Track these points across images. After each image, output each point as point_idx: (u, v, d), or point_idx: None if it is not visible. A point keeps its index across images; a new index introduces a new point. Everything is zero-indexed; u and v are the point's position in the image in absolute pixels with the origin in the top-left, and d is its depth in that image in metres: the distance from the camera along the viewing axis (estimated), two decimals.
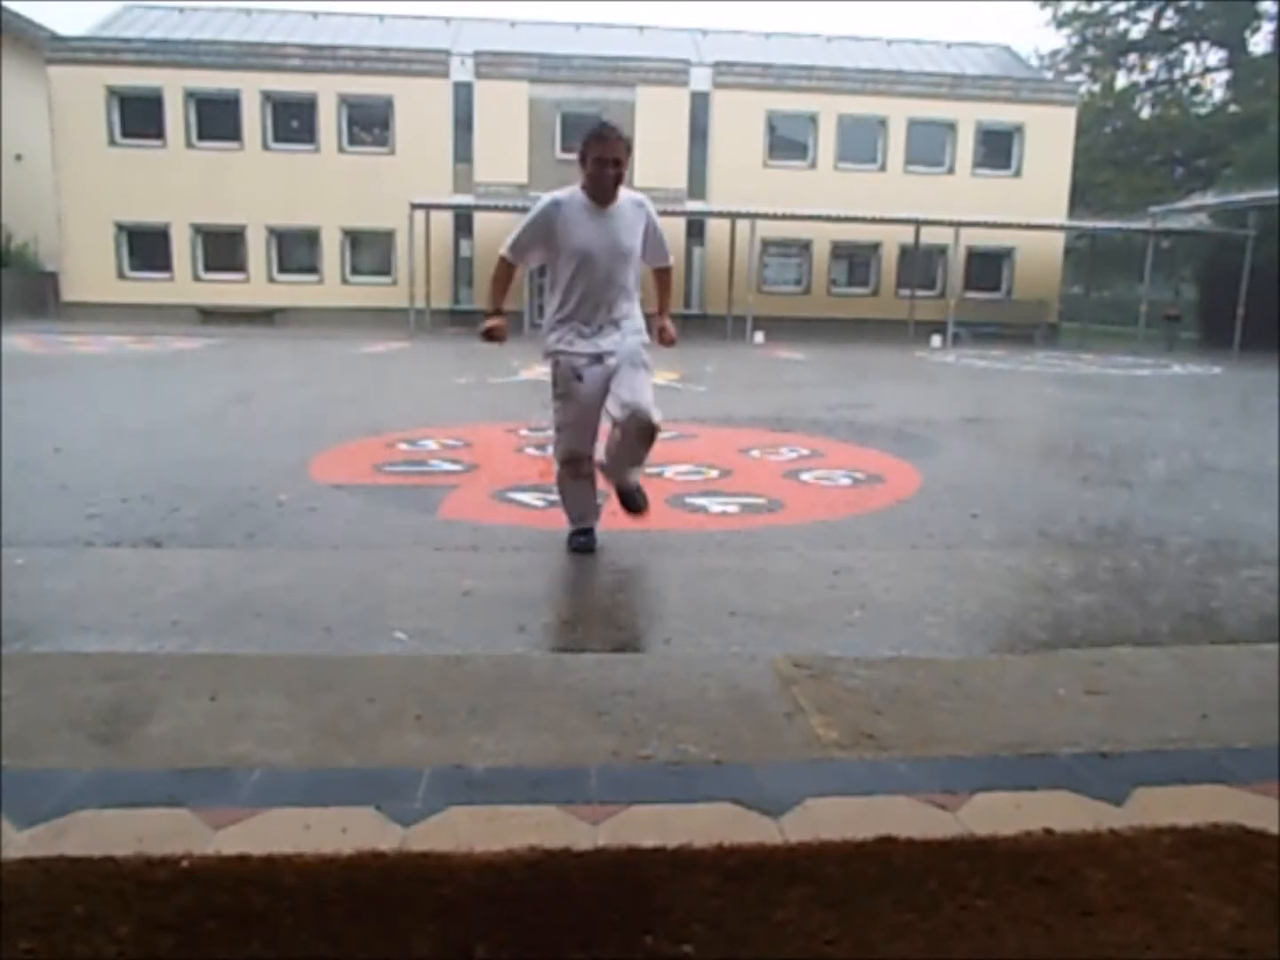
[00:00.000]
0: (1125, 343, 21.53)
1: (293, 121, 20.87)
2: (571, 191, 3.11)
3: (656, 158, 20.15)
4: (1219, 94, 31.12)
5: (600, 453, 3.09)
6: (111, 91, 20.33)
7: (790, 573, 2.81)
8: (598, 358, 2.98)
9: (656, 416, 2.91)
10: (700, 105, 20.34)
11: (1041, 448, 6.39)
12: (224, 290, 21.06)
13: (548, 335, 3.06)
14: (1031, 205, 20.62)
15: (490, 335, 3.02)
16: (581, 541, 3.13)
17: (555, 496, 4.09)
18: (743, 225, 18.88)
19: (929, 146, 21.58)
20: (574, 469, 3.09)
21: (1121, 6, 31.13)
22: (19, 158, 21.68)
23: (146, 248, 20.91)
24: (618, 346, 2.99)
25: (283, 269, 21.40)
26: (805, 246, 20.93)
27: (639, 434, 2.90)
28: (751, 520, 3.54)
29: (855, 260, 21.87)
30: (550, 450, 3.06)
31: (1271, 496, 4.21)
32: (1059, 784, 1.30)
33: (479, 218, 20.83)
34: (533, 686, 1.61)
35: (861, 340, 18.64)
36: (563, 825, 1.15)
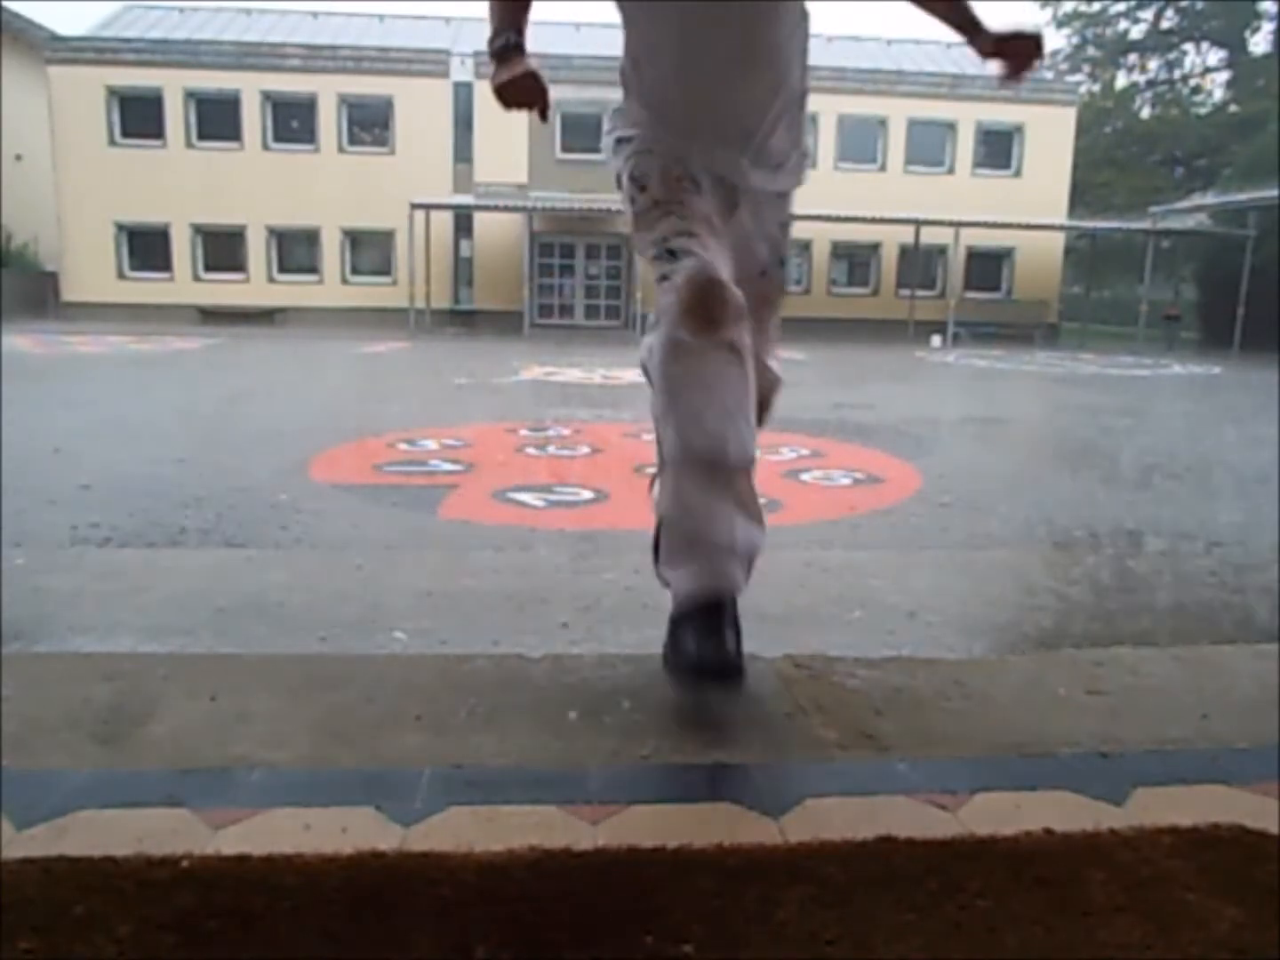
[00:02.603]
0: (1125, 343, 21.53)
1: (293, 121, 20.89)
2: None
3: None
4: (1219, 94, 31.16)
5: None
6: (111, 91, 20.35)
7: (790, 573, 2.81)
8: (723, 187, 1.62)
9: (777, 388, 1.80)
10: None
11: (1043, 448, 6.39)
12: (224, 290, 21.09)
13: (613, 125, 1.73)
14: (1031, 205, 20.63)
15: (515, 89, 1.57)
16: (707, 652, 1.39)
17: (557, 496, 4.10)
18: None
19: (929, 146, 21.60)
20: (705, 309, 1.43)
21: (1121, 6, 31.16)
22: (19, 158, 21.69)
23: (146, 248, 20.94)
24: (753, 219, 1.67)
25: (283, 269, 21.42)
26: (805, 246, 20.94)
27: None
28: None
29: (855, 260, 21.89)
30: (657, 311, 1.51)
31: (1272, 495, 4.21)
32: (1059, 784, 1.30)
33: (479, 218, 20.84)
34: (533, 686, 1.61)
35: (861, 340, 18.65)
36: (563, 825, 1.15)
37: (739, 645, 1.43)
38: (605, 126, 1.78)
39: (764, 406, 1.75)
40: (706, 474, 1.45)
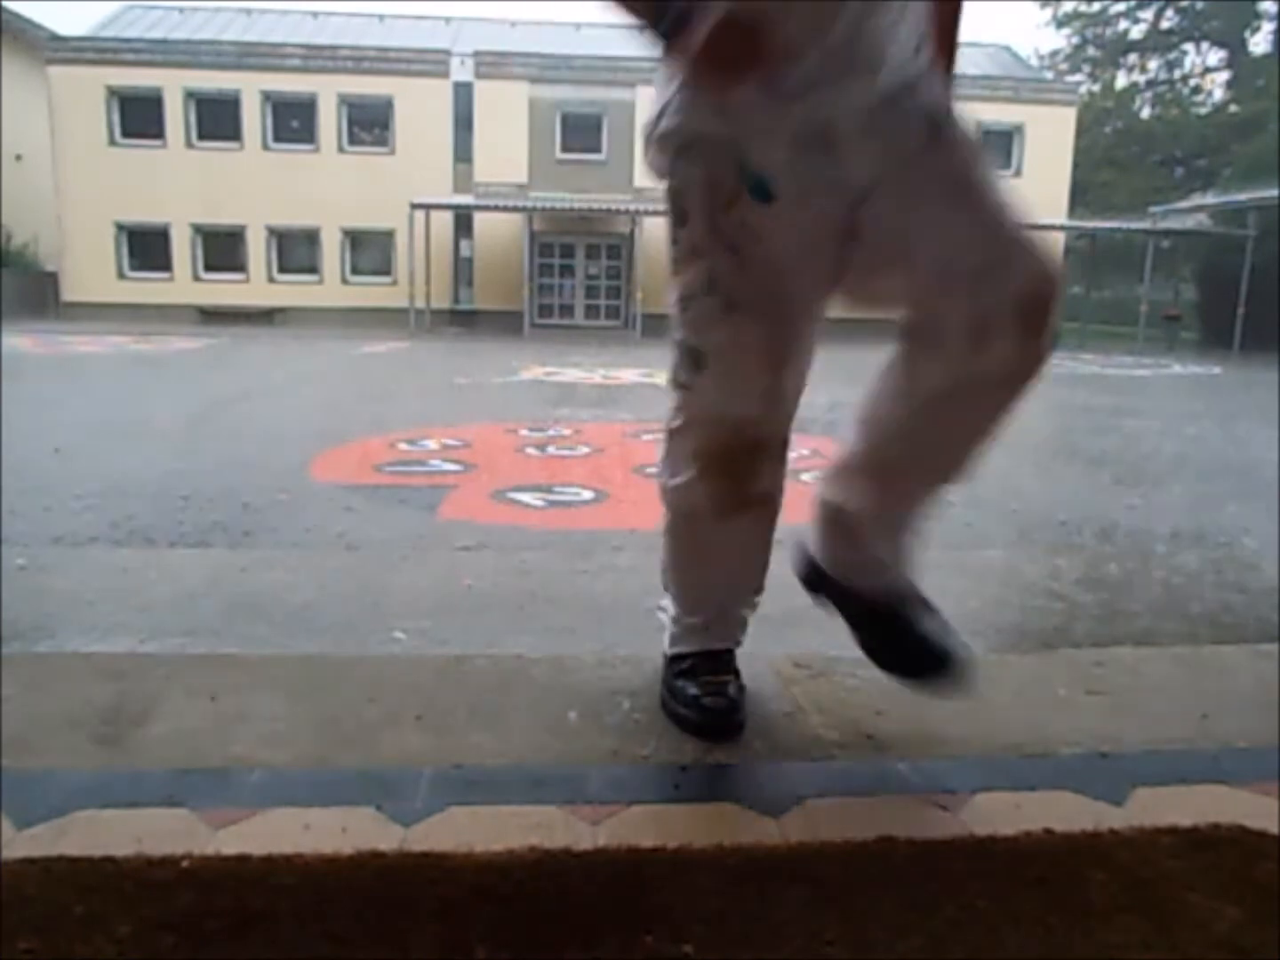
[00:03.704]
0: (1125, 343, 21.52)
1: (293, 121, 20.88)
2: None
3: None
4: (1219, 94, 31.14)
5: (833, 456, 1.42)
6: (111, 91, 20.33)
7: (790, 572, 2.80)
8: (820, 141, 1.12)
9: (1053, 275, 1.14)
10: None
11: (1042, 447, 6.39)
12: (224, 290, 21.07)
13: (666, 94, 1.21)
14: (1032, 205, 20.60)
15: (722, 45, 1.05)
16: (710, 703, 1.36)
17: (557, 496, 4.10)
18: None
19: None
20: (727, 472, 1.27)
21: (1121, 6, 31.16)
22: (19, 158, 21.68)
23: (146, 248, 20.92)
24: (890, 97, 1.12)
25: (283, 269, 21.40)
26: None
27: (1016, 353, 1.10)
28: None
29: None
30: (666, 430, 1.31)
31: (1265, 493, 4.21)
32: (1059, 784, 1.30)
33: (479, 218, 20.83)
34: (533, 686, 1.61)
35: (861, 340, 18.63)
36: (563, 825, 1.15)
37: (742, 698, 1.43)
38: (653, 111, 1.23)
39: (1041, 310, 1.09)
40: (710, 617, 1.43)
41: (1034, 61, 30.25)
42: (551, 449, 5.30)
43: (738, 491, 1.23)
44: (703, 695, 1.38)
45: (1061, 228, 21.31)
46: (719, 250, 1.17)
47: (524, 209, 19.38)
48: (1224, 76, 30.88)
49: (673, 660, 1.46)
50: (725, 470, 1.21)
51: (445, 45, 21.41)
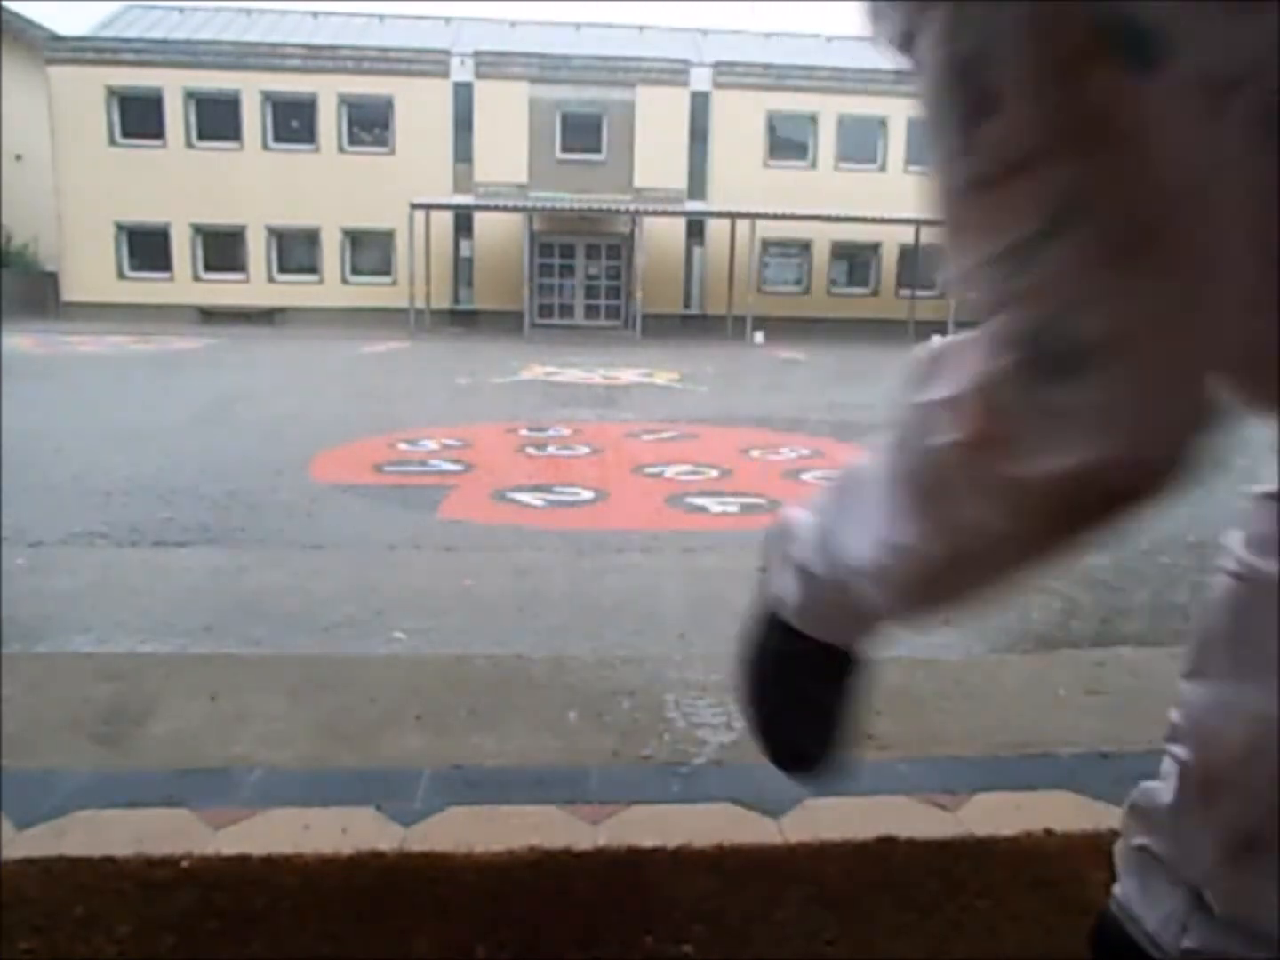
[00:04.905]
0: None
1: (293, 121, 20.87)
2: None
3: (656, 158, 20.12)
4: None
5: None
6: (111, 91, 20.33)
7: None
8: None
9: None
10: (700, 105, 20.35)
11: None
12: (224, 290, 21.05)
13: None
14: None
15: None
16: (796, 758, 0.91)
17: (557, 496, 4.11)
18: (743, 225, 18.88)
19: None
20: (1086, 526, 0.57)
21: None
22: (19, 158, 21.68)
23: (146, 248, 20.91)
24: None
25: (283, 269, 21.39)
26: (805, 246, 20.92)
27: None
28: (751, 520, 3.53)
29: (855, 260, 21.85)
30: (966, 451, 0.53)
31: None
32: (1059, 784, 1.30)
33: (479, 218, 20.82)
34: (533, 686, 1.61)
35: (861, 340, 18.62)
36: (563, 825, 1.15)
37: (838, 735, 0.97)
38: None
39: None
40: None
41: None
42: (551, 449, 5.31)
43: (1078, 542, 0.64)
44: (800, 731, 0.93)
45: None
46: (1069, 150, 0.55)
47: (524, 209, 19.39)
48: None
49: (774, 624, 0.86)
50: (1084, 525, 0.61)
51: (445, 45, 21.40)
